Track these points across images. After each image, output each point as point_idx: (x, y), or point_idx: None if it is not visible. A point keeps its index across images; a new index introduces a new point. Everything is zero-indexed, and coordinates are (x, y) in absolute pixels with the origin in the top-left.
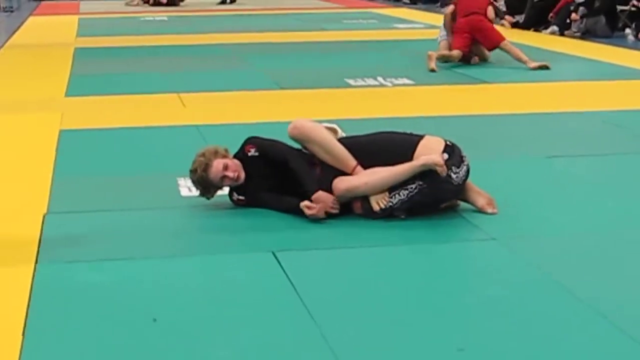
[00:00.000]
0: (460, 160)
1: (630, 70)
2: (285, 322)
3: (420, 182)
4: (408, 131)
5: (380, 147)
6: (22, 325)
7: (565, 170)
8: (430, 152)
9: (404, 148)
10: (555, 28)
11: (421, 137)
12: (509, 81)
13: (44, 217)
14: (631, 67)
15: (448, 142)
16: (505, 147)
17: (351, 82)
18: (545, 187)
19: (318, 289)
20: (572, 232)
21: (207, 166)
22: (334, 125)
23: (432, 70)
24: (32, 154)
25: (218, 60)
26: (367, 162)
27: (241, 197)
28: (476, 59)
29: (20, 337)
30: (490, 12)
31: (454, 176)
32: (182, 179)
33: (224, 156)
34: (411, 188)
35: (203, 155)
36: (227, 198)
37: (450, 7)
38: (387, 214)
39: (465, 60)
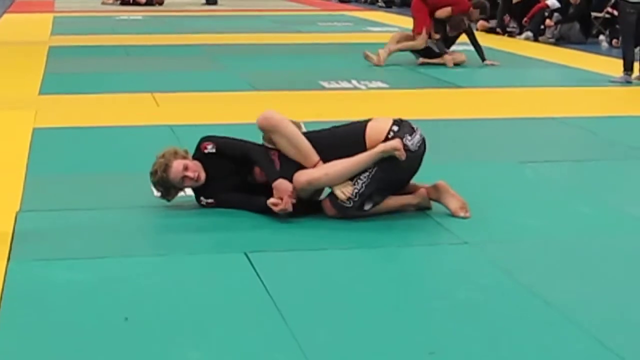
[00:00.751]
0: (412, 129)
1: (603, 76)
2: (256, 323)
3: (373, 167)
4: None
5: (337, 138)
6: None
7: (537, 176)
8: (378, 132)
9: (356, 135)
10: (529, 34)
11: (367, 122)
12: (482, 86)
13: (16, 215)
14: (605, 73)
15: (396, 119)
16: (478, 152)
17: (325, 84)
18: (517, 193)
19: (290, 291)
20: (543, 237)
21: (166, 167)
22: (299, 122)
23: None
24: (5, 152)
25: (192, 60)
26: (327, 155)
27: (210, 201)
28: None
29: None
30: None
31: (408, 144)
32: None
33: (184, 157)
34: (369, 168)
35: (162, 156)
36: (194, 199)
37: None
38: (359, 205)
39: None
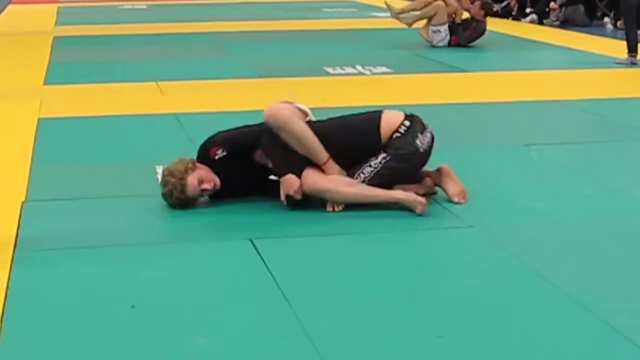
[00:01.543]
0: (423, 127)
1: (608, 58)
2: (262, 309)
3: (385, 155)
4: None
5: (349, 129)
6: (0, 312)
7: (543, 159)
8: (390, 124)
9: (370, 126)
10: (534, 17)
11: (381, 112)
12: (487, 69)
13: (22, 204)
14: (610, 55)
15: (407, 113)
16: (483, 136)
17: (330, 70)
18: (523, 176)
19: (296, 277)
20: (549, 220)
21: (182, 186)
22: (306, 109)
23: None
24: (10, 142)
25: (197, 48)
26: (338, 146)
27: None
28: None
29: None
30: None
31: (418, 143)
32: (161, 166)
33: (193, 168)
34: (375, 164)
35: (172, 175)
36: None
37: None
38: None
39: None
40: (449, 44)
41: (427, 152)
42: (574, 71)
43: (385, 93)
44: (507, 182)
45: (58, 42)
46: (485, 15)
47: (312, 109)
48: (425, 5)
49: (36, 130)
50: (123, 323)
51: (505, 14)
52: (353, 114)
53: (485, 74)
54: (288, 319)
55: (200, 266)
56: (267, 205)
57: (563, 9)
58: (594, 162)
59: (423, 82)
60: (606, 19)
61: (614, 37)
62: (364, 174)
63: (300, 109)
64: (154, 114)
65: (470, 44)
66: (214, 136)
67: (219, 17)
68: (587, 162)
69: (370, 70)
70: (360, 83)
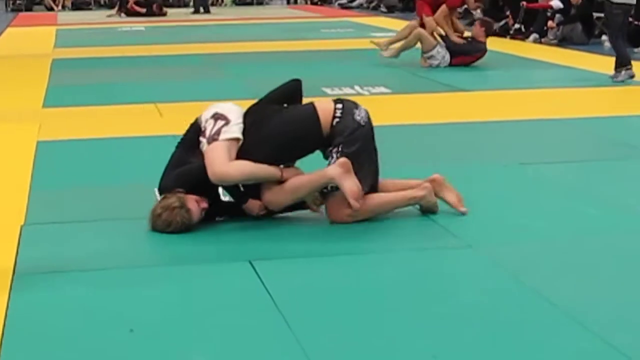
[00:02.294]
0: (355, 104)
1: (606, 77)
2: (262, 330)
3: (337, 145)
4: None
5: (289, 127)
6: (0, 335)
7: (540, 177)
8: (327, 112)
9: (309, 120)
10: (536, 36)
11: (313, 104)
12: (485, 89)
13: (21, 228)
14: (607, 73)
15: (334, 99)
16: (480, 155)
17: (328, 91)
18: (520, 194)
19: (295, 298)
20: (547, 238)
21: (188, 213)
22: (235, 117)
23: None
24: (9, 165)
25: (195, 70)
26: (281, 148)
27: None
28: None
29: None
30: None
31: (357, 118)
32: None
33: (185, 194)
34: (335, 153)
35: (174, 208)
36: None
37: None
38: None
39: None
40: (450, 64)
41: (369, 126)
42: (572, 89)
43: (384, 113)
44: (505, 201)
45: (57, 65)
46: (487, 35)
47: None
48: (410, 32)
49: (35, 153)
50: (122, 346)
51: (503, 32)
52: (285, 108)
53: (482, 93)
54: (287, 340)
55: (199, 288)
56: (265, 226)
57: (561, 27)
58: (590, 180)
59: (421, 102)
60: (604, 37)
61: (611, 54)
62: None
63: (231, 139)
64: (152, 136)
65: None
66: (166, 179)
67: (217, 39)
68: (583, 180)
69: (368, 91)
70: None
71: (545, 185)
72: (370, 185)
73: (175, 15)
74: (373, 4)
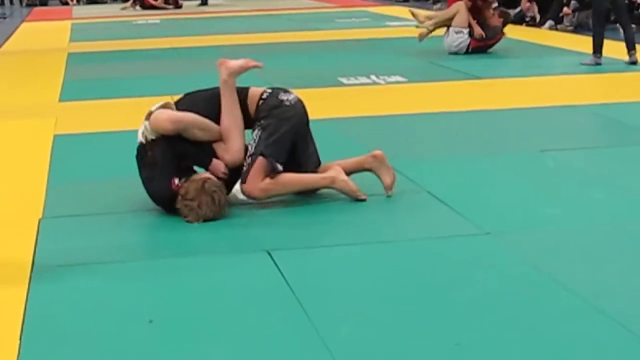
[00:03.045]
0: (285, 90)
1: (622, 62)
2: (281, 321)
3: (260, 119)
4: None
5: (215, 106)
6: (20, 328)
7: (558, 164)
8: (255, 96)
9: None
10: (552, 22)
11: (247, 88)
12: (502, 76)
13: (39, 221)
14: (623, 59)
15: (270, 87)
16: (499, 142)
17: (344, 80)
18: (539, 181)
19: (313, 288)
20: (566, 225)
21: (221, 188)
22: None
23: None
24: (26, 159)
25: (211, 62)
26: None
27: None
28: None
29: (18, 340)
30: None
31: (282, 98)
32: (176, 179)
33: (204, 176)
34: (255, 135)
35: (208, 189)
36: None
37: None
38: (269, 169)
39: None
40: (467, 51)
41: (297, 108)
42: (589, 76)
43: (400, 102)
44: (524, 189)
45: (72, 59)
46: (504, 24)
47: (327, 120)
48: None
49: (52, 147)
50: (141, 338)
51: (518, 20)
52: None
53: (499, 81)
54: (306, 330)
55: (217, 279)
56: (282, 216)
57: (576, 14)
58: (609, 167)
59: (438, 91)
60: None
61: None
62: (251, 144)
63: (162, 105)
64: None
65: (487, 50)
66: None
67: (232, 30)
68: (602, 167)
69: (384, 80)
70: (374, 93)
71: (565, 172)
72: (288, 162)
73: (188, 7)
74: None
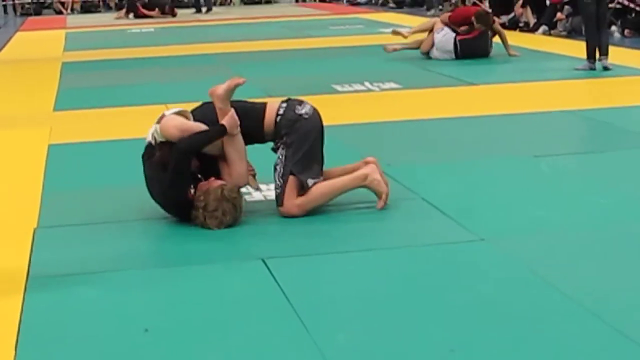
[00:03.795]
0: (300, 101)
1: (616, 67)
2: (276, 329)
3: (282, 136)
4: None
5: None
6: (15, 338)
7: (553, 169)
8: (272, 112)
9: (254, 114)
10: (545, 28)
11: (265, 104)
12: (495, 82)
13: (34, 231)
14: (617, 64)
15: (283, 99)
16: (492, 148)
17: (338, 87)
18: (533, 186)
19: (308, 295)
20: (561, 230)
21: (238, 193)
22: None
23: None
24: (21, 169)
25: (205, 70)
26: None
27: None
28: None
29: (13, 351)
30: None
31: (300, 111)
32: (191, 189)
33: (219, 185)
34: (280, 155)
35: (229, 197)
36: None
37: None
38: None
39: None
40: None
41: (313, 119)
42: (582, 81)
43: (394, 109)
44: (518, 194)
45: (67, 68)
46: (484, 26)
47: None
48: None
49: (47, 156)
50: (137, 347)
51: (512, 25)
52: (236, 101)
53: (493, 87)
54: (302, 338)
55: (212, 287)
56: (277, 225)
57: (570, 18)
58: (603, 171)
59: (432, 97)
60: (613, 28)
61: (621, 45)
62: (277, 163)
63: (177, 112)
64: None
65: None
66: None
67: (227, 38)
68: (596, 170)
69: (378, 87)
70: (369, 100)
71: (559, 176)
72: (317, 173)
73: (182, 15)
74: (381, 0)
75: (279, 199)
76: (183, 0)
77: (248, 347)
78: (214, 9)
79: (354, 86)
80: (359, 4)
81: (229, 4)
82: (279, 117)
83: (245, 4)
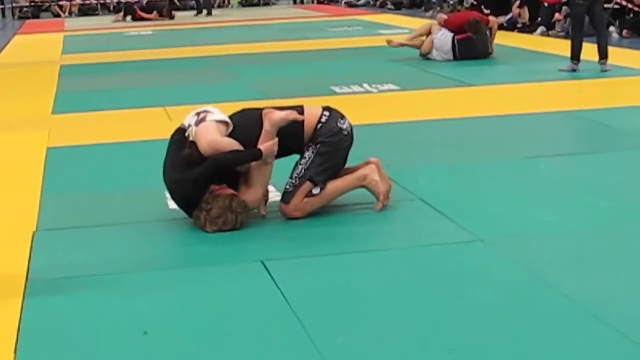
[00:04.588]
0: (341, 115)
1: (614, 67)
2: (276, 331)
3: (317, 143)
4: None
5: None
6: (14, 341)
7: (550, 170)
8: (313, 117)
9: (294, 124)
10: (543, 28)
11: (302, 107)
12: (493, 83)
13: (33, 234)
14: (615, 64)
15: (324, 106)
16: (491, 149)
17: (337, 89)
18: (530, 188)
19: (308, 297)
20: (559, 231)
21: (245, 209)
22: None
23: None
24: (20, 172)
25: (203, 72)
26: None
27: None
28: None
29: (13, 355)
30: None
31: (344, 127)
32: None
33: (231, 193)
34: (307, 155)
35: (234, 208)
36: None
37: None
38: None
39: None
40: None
41: (351, 136)
42: (579, 81)
43: (393, 110)
44: (516, 195)
45: (65, 71)
46: (473, 33)
47: None
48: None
49: (45, 160)
50: (136, 349)
51: (510, 26)
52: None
53: (490, 88)
54: (301, 339)
55: (212, 290)
56: (276, 227)
57: (568, 19)
58: (600, 172)
59: (430, 98)
60: (611, 28)
61: (619, 45)
62: (301, 164)
63: (219, 120)
64: (162, 140)
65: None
66: (182, 189)
67: (225, 41)
68: (593, 171)
69: (377, 88)
70: (367, 101)
71: (556, 178)
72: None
73: (180, 18)
74: (380, 2)
75: (287, 196)
76: (181, 3)
77: (247, 349)
78: (213, 11)
79: (353, 88)
80: (356, 5)
81: (226, 6)
82: (320, 125)
83: (243, 6)
